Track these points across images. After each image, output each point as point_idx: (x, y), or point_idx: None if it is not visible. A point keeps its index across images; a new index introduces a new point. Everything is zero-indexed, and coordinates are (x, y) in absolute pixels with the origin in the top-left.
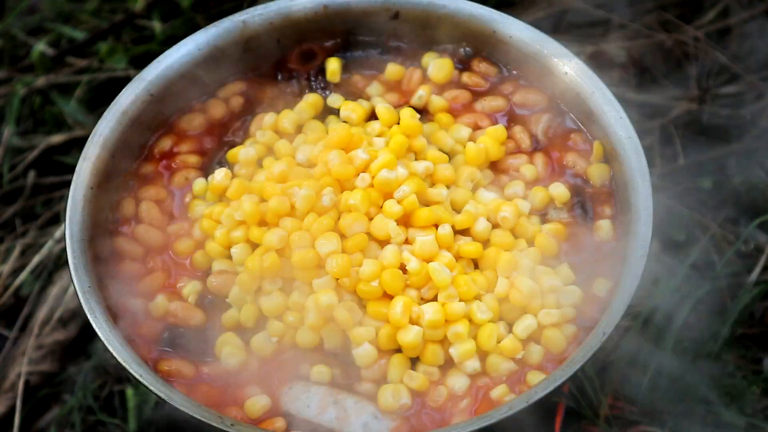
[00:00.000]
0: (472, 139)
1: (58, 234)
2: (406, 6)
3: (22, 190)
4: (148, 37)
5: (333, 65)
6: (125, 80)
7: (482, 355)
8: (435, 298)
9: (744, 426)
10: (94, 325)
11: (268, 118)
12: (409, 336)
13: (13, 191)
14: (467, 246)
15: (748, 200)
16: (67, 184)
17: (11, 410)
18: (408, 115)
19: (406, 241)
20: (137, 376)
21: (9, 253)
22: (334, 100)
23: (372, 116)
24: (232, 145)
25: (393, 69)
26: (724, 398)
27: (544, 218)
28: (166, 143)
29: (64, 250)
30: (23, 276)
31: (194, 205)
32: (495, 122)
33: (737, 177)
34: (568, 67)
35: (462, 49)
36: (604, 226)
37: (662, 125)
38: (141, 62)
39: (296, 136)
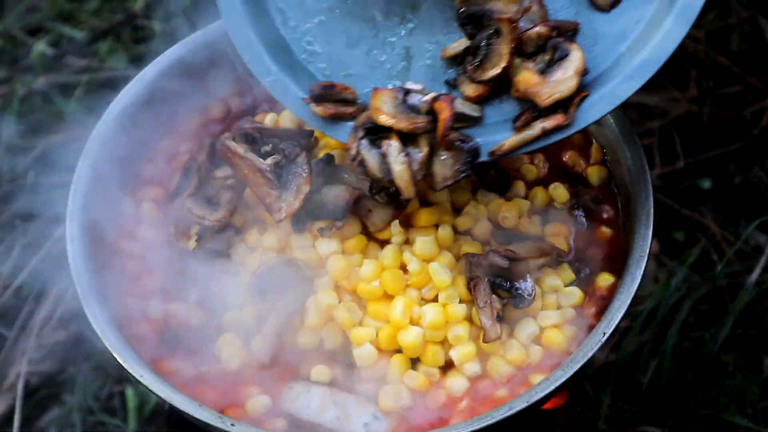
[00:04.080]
0: None
1: (58, 234)
2: None
3: (22, 190)
4: (148, 36)
5: None
6: (125, 80)
7: (483, 356)
8: (435, 299)
9: (744, 426)
10: (94, 326)
11: (268, 119)
12: (410, 337)
13: (13, 191)
14: (468, 246)
15: (748, 200)
16: (67, 184)
17: (11, 410)
18: None
19: (407, 242)
20: (137, 376)
21: (9, 253)
22: None
23: None
24: None
25: None
26: (724, 398)
27: (544, 219)
28: (166, 143)
29: (64, 250)
30: (23, 276)
31: None
32: None
33: (737, 177)
34: None
35: None
36: (603, 226)
37: (662, 126)
38: (141, 62)
39: None
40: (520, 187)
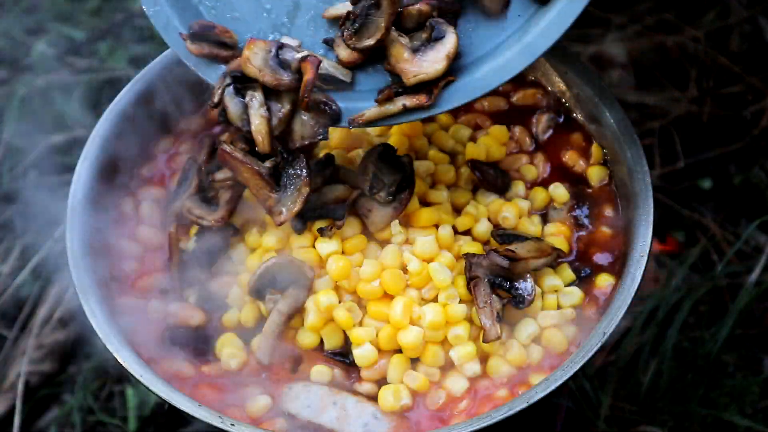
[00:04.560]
0: (472, 139)
1: (58, 234)
2: None
3: (22, 190)
4: (148, 37)
5: None
6: (125, 80)
7: (483, 356)
8: (436, 299)
9: (744, 426)
10: (94, 325)
11: None
12: (410, 337)
13: (13, 191)
14: (468, 246)
15: (748, 200)
16: (67, 184)
17: (11, 410)
18: None
19: (407, 242)
20: (137, 376)
21: (9, 253)
22: None
23: None
24: None
25: None
26: (724, 398)
27: (544, 219)
28: (166, 143)
29: (64, 250)
30: (23, 276)
31: None
32: (495, 122)
33: (737, 177)
34: (568, 67)
35: None
36: (603, 226)
37: (662, 126)
38: (141, 62)
39: None
40: (520, 187)
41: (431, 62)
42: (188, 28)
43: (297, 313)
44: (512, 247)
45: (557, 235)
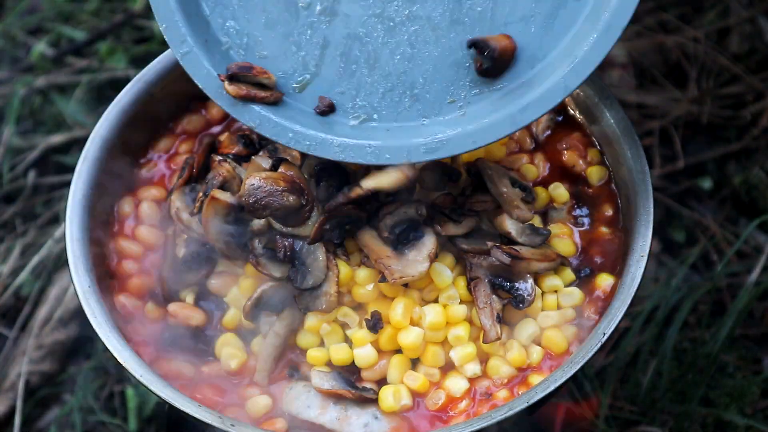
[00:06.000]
0: None
1: (58, 234)
2: None
3: (22, 190)
4: (148, 37)
5: None
6: (125, 80)
7: (483, 357)
8: (436, 300)
9: (744, 426)
10: (94, 325)
11: None
12: (410, 337)
13: (13, 191)
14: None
15: (748, 200)
16: (67, 184)
17: (11, 410)
18: None
19: None
20: (137, 376)
21: (9, 253)
22: None
23: None
24: None
25: None
26: (724, 398)
27: (544, 219)
28: (166, 143)
29: (64, 250)
30: (23, 276)
31: None
32: None
33: (737, 177)
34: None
35: None
36: (603, 226)
37: (662, 126)
38: (141, 62)
39: None
40: None
41: (413, 262)
42: (225, 70)
43: (293, 333)
44: (516, 246)
45: (561, 236)
